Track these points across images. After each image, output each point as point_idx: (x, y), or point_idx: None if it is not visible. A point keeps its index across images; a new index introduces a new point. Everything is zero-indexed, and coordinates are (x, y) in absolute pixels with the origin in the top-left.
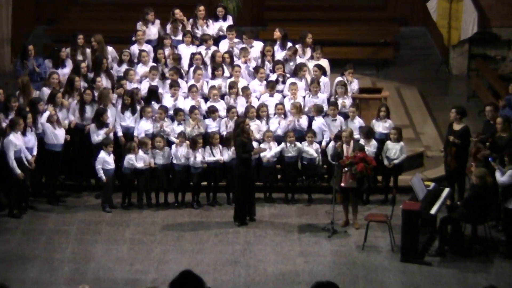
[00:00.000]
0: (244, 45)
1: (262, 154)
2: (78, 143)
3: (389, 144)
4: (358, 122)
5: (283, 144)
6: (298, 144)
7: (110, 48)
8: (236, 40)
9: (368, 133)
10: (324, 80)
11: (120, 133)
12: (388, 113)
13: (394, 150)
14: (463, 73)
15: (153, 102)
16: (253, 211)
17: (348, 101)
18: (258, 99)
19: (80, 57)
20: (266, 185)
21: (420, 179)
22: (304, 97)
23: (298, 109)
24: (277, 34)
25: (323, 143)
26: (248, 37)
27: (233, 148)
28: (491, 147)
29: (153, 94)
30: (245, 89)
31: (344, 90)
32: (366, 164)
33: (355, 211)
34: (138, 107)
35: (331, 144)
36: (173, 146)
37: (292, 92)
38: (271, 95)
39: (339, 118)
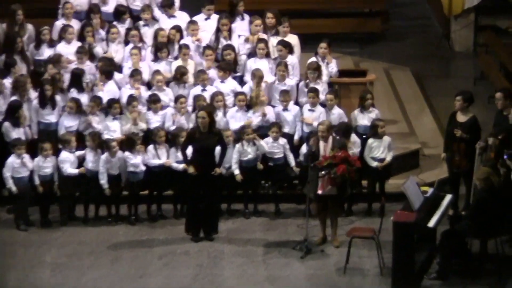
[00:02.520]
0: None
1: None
2: None
3: (372, 142)
4: (337, 113)
5: (238, 146)
6: (258, 142)
7: (30, 25)
8: (178, 13)
9: (346, 131)
10: (291, 60)
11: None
12: (373, 101)
13: (382, 147)
14: (469, 50)
15: (72, 90)
16: (212, 228)
17: (321, 87)
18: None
19: None
20: (223, 193)
21: (415, 184)
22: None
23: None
24: (241, 7)
25: (296, 137)
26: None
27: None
28: (504, 143)
29: (75, 79)
30: (201, 73)
31: (316, 75)
32: (349, 166)
33: (334, 224)
34: (59, 98)
35: (305, 146)
36: (80, 169)
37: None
38: (223, 81)
39: (319, 109)
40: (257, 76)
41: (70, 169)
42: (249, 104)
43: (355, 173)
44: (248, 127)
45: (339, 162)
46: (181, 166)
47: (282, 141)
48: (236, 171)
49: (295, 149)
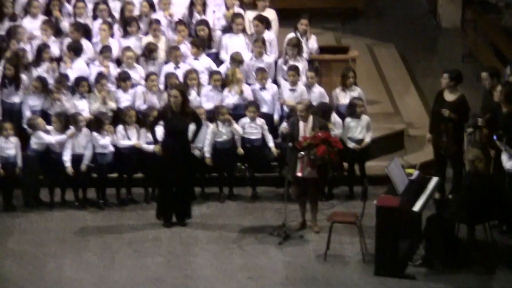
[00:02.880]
0: None
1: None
2: None
3: (350, 121)
4: (318, 91)
5: (212, 127)
6: (232, 126)
7: None
8: None
9: (325, 112)
10: (269, 36)
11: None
12: (355, 79)
13: (360, 127)
14: (456, 26)
15: (36, 67)
16: (185, 213)
17: (301, 65)
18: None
19: None
20: (196, 176)
21: (400, 166)
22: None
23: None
24: None
25: (275, 117)
26: None
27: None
28: (490, 124)
29: (40, 55)
30: (174, 49)
31: (296, 51)
32: (330, 147)
33: (314, 209)
34: (25, 77)
35: (284, 124)
36: (68, 132)
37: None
38: (196, 58)
39: (301, 87)
40: (236, 60)
41: (54, 137)
42: (224, 83)
43: (336, 155)
44: (222, 107)
45: (319, 143)
46: (152, 148)
47: (260, 121)
48: (207, 154)
49: (274, 130)
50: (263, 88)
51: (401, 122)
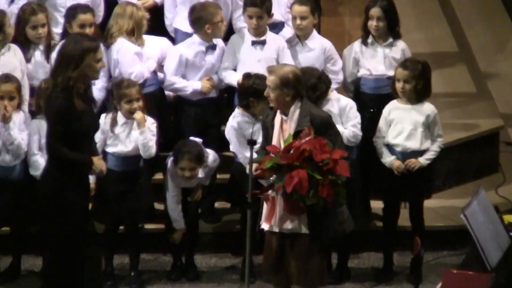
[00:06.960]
0: None
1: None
2: None
3: (392, 108)
4: (320, 47)
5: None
6: (141, 131)
7: None
8: None
9: (320, 81)
10: None
11: None
12: (395, 22)
13: (412, 124)
14: None
15: None
16: None
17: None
18: None
19: None
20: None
21: (491, 208)
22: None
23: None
24: None
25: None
26: None
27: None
28: None
29: None
30: None
31: None
32: (316, 173)
33: None
34: None
35: (237, 114)
36: None
37: None
38: None
39: (276, 39)
40: None
41: None
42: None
43: (332, 191)
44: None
45: (295, 163)
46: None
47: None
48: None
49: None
50: (210, 47)
51: (493, 114)
